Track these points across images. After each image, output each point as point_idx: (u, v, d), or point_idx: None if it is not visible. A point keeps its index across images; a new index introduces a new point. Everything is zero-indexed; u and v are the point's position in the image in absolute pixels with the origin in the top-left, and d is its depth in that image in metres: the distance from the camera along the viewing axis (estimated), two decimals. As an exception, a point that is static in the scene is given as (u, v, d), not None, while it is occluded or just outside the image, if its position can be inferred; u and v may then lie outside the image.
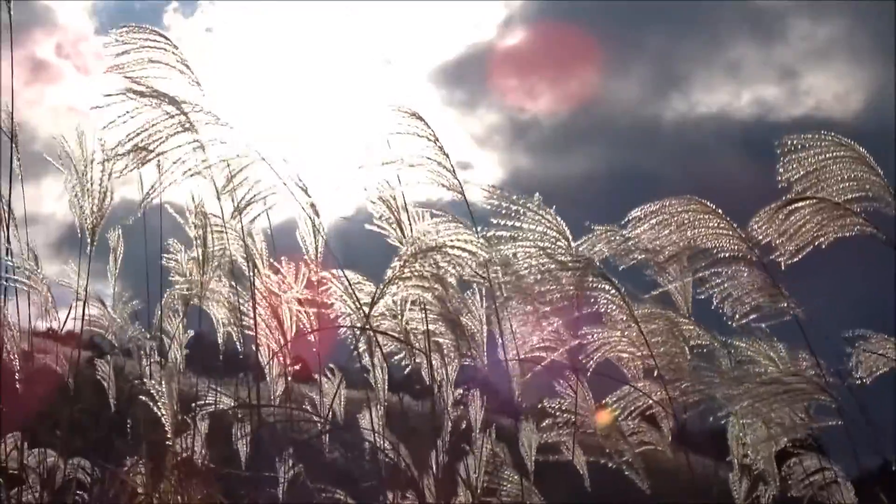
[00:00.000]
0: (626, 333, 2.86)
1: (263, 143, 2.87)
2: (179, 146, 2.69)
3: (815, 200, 2.79)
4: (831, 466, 3.35)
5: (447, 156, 2.94)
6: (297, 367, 3.51)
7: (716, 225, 2.94)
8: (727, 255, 2.95)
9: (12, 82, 3.14)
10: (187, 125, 2.69)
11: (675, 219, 2.93)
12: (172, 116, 2.67)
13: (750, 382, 2.51)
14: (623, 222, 2.97)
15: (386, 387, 3.46)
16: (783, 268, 2.87)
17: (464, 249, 2.65)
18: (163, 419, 3.60)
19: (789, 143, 2.81)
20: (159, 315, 3.75)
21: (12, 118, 3.25)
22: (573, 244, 2.81)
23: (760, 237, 2.85)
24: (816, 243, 2.82)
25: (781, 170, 2.82)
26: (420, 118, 2.94)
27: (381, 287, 2.61)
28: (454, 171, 2.95)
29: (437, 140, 2.93)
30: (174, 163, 2.70)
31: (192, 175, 2.72)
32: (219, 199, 2.97)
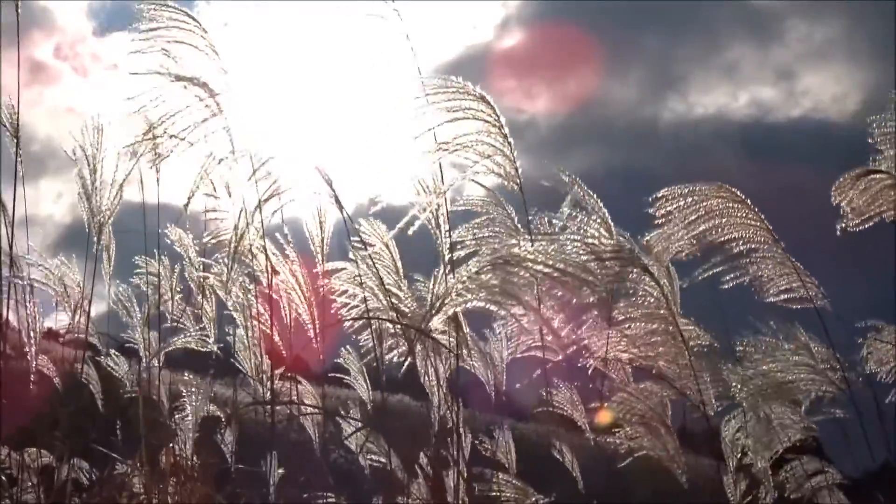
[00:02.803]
0: (627, 333, 2.81)
1: (268, 140, 2.85)
2: (205, 134, 2.67)
3: (887, 175, 2.74)
4: (827, 469, 3.33)
5: (510, 143, 2.71)
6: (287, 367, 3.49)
7: (744, 215, 2.90)
8: (753, 246, 2.92)
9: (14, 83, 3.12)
10: (217, 111, 2.66)
11: (705, 204, 2.88)
12: (202, 99, 2.65)
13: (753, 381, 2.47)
14: (649, 199, 2.88)
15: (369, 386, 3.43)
16: (841, 234, 2.81)
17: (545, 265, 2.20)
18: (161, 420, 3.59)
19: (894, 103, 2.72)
20: (146, 315, 3.74)
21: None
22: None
23: (840, 202, 2.78)
24: (885, 216, 2.77)
25: (874, 131, 2.74)
26: (486, 101, 2.68)
27: (441, 298, 2.30)
28: (515, 159, 2.72)
29: (503, 127, 2.69)
30: (207, 156, 2.67)
31: (219, 162, 2.68)
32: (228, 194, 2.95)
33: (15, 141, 3.25)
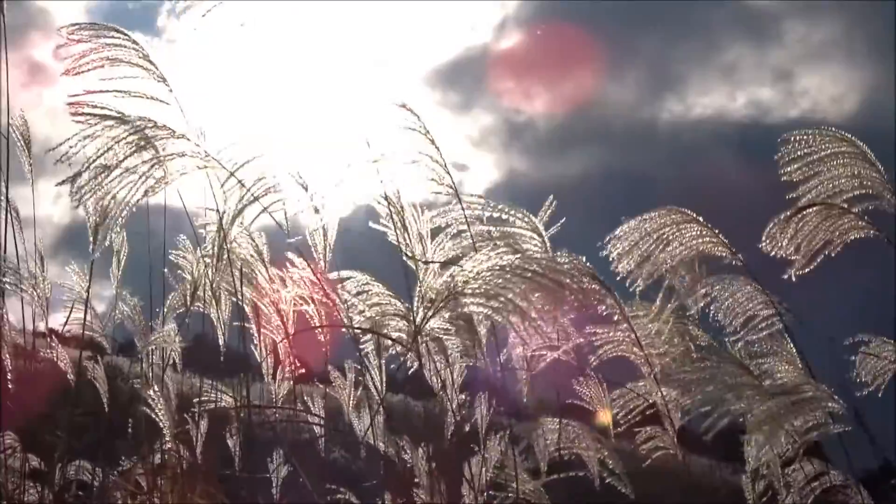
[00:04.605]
0: (627, 333, 2.83)
1: (260, 142, 2.83)
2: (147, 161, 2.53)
3: (822, 206, 2.75)
4: (828, 471, 3.33)
5: (438, 150, 2.77)
6: (299, 370, 3.48)
7: (697, 233, 2.85)
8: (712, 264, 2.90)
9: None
10: (144, 142, 2.52)
11: (655, 235, 2.82)
12: (131, 134, 2.50)
13: (761, 393, 2.46)
14: (604, 242, 2.84)
15: (383, 387, 3.41)
16: (794, 279, 2.83)
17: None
18: (160, 421, 3.59)
19: (792, 138, 2.77)
20: (162, 316, 3.72)
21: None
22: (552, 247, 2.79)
23: (775, 250, 2.79)
24: (827, 251, 2.77)
25: (783, 166, 2.78)
26: (410, 110, 2.76)
27: (438, 302, 2.31)
28: (446, 166, 2.77)
29: (429, 133, 2.76)
30: (168, 157, 2.59)
31: (160, 187, 2.60)
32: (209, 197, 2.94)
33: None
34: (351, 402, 3.95)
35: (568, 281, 2.21)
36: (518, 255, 2.24)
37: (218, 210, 2.85)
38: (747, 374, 2.48)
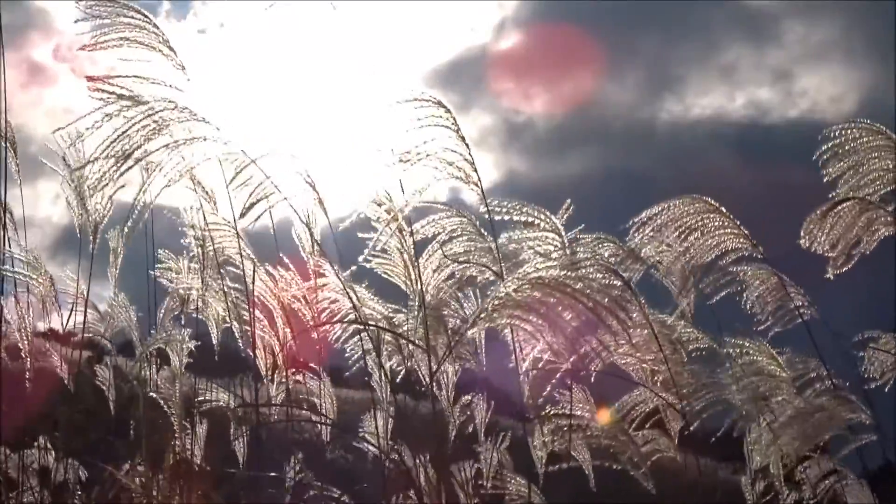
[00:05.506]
0: (627, 336, 2.80)
1: (260, 142, 2.80)
2: (166, 146, 2.40)
3: (856, 200, 2.70)
4: (842, 468, 3.31)
5: (468, 147, 2.62)
6: (296, 371, 3.47)
7: (719, 224, 2.87)
8: (735, 256, 2.90)
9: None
10: (165, 125, 2.40)
11: (678, 223, 2.85)
12: (148, 116, 2.38)
13: (796, 412, 2.43)
14: (627, 227, 2.88)
15: (388, 388, 3.41)
16: (832, 277, 2.79)
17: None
18: (172, 420, 3.57)
19: (832, 133, 2.73)
20: (160, 317, 3.71)
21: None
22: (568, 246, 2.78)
23: (814, 247, 2.75)
24: (861, 246, 2.74)
25: (823, 166, 2.75)
26: (443, 106, 2.59)
27: (481, 312, 2.25)
28: (474, 162, 2.61)
29: (459, 129, 2.59)
30: (159, 165, 2.53)
31: (181, 175, 2.54)
32: (211, 200, 2.92)
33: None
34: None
35: (607, 300, 2.20)
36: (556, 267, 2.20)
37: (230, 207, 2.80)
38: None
